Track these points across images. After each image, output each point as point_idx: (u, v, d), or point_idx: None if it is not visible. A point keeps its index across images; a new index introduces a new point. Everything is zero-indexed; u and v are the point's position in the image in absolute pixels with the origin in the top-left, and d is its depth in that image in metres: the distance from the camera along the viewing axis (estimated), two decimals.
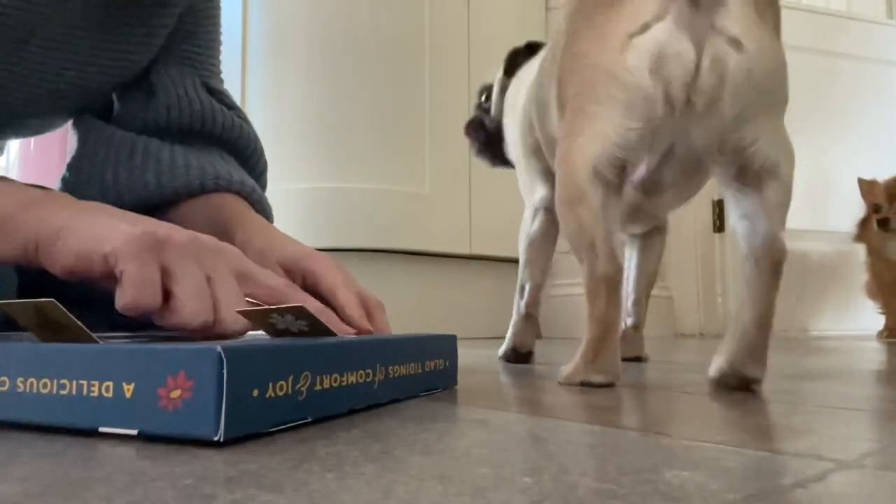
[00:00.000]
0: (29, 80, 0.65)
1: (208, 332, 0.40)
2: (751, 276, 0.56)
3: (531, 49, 0.94)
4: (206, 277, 0.41)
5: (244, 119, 0.77)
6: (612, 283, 0.55)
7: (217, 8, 0.78)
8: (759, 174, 0.53)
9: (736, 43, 0.50)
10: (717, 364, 0.54)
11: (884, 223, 1.78)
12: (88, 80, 0.69)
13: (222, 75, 0.82)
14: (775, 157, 0.53)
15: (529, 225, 0.86)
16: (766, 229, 0.54)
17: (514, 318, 0.88)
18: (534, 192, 0.83)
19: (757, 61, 0.51)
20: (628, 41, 0.52)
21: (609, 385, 0.55)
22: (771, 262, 0.55)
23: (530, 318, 0.87)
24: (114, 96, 0.75)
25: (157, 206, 0.70)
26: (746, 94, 0.51)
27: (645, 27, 0.51)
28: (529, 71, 0.86)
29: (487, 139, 1.01)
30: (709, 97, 0.50)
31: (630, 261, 0.88)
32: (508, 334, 0.88)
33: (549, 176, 0.76)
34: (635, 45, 0.52)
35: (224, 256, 0.44)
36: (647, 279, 0.89)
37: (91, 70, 0.68)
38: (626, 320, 0.91)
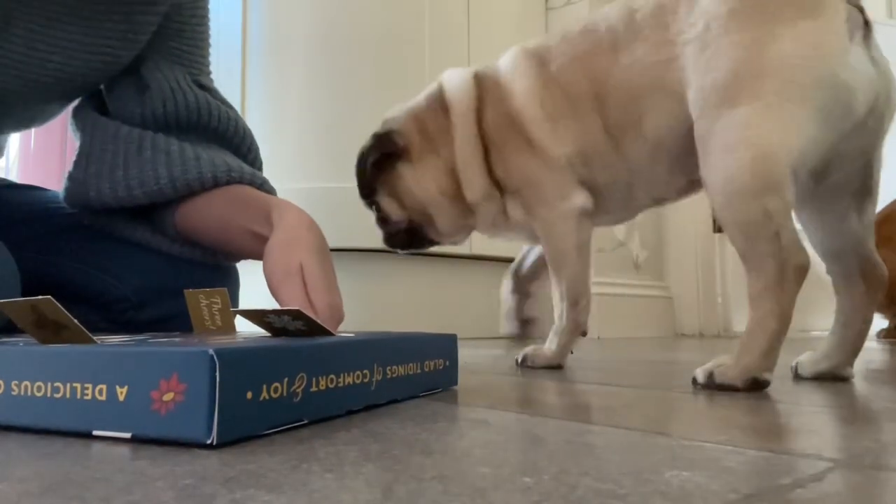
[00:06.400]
0: (10, 70, 0.65)
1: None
2: (856, 292, 0.64)
3: None
4: None
5: (237, 114, 0.78)
6: (803, 274, 0.55)
7: (205, 6, 0.78)
8: (870, 190, 0.62)
9: (889, 73, 0.60)
10: (817, 366, 0.64)
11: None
12: (71, 72, 0.69)
13: (214, 74, 0.82)
14: (878, 178, 0.62)
15: (576, 234, 0.75)
16: (871, 250, 0.64)
17: (566, 331, 0.76)
18: (568, 198, 0.75)
19: None
20: (841, 55, 0.57)
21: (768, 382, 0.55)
22: (875, 282, 0.64)
23: (581, 333, 0.79)
24: (103, 91, 0.75)
25: (168, 200, 0.70)
26: (893, 118, 0.59)
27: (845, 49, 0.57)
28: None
29: None
30: (880, 116, 0.59)
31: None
32: (554, 346, 0.76)
33: (585, 184, 0.75)
34: (847, 62, 0.57)
35: None
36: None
37: (74, 63, 0.68)
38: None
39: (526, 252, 0.90)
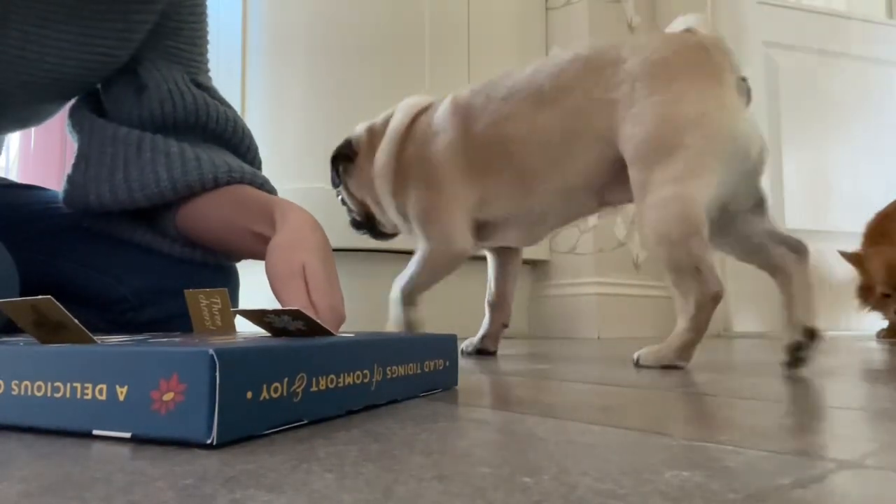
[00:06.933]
0: (5, 71, 0.64)
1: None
2: (789, 263, 0.76)
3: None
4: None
5: (235, 114, 0.77)
6: (718, 300, 0.71)
7: (203, 4, 0.78)
8: (762, 200, 0.78)
9: (758, 126, 0.76)
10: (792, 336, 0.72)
11: None
12: (67, 72, 0.68)
13: (214, 74, 0.82)
14: (764, 189, 0.79)
15: (447, 267, 0.93)
16: (781, 231, 0.79)
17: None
18: (451, 241, 0.90)
19: None
20: (740, 113, 0.74)
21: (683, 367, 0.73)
22: (800, 247, 0.77)
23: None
24: (100, 91, 0.75)
25: (168, 202, 0.69)
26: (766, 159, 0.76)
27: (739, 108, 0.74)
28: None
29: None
30: (762, 159, 0.75)
31: (500, 268, 1.02)
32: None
33: (484, 220, 0.91)
34: (744, 118, 0.74)
35: None
36: (514, 285, 1.04)
37: (70, 62, 0.68)
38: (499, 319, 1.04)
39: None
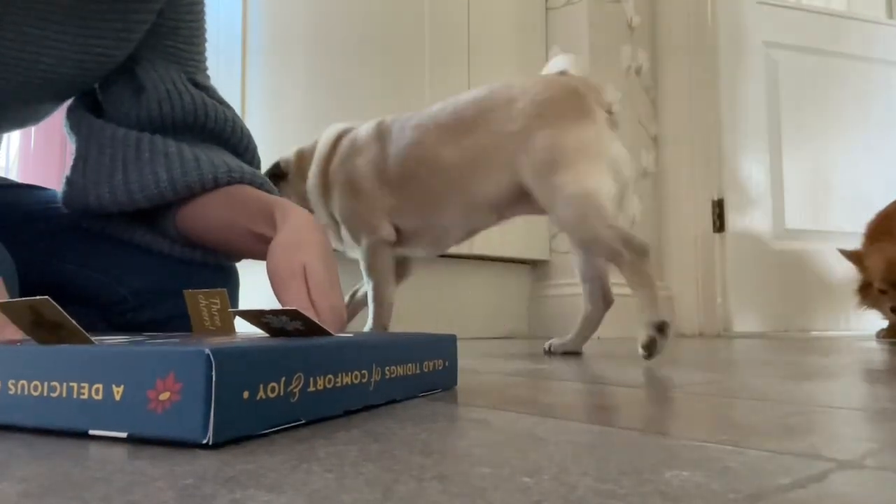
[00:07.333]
0: (2, 72, 0.64)
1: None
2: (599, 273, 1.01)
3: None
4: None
5: (234, 113, 0.77)
6: (648, 251, 0.86)
7: (200, 3, 0.78)
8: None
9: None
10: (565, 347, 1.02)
11: None
12: (64, 72, 0.68)
13: (214, 74, 0.81)
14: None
15: (381, 256, 1.04)
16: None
17: (373, 326, 1.04)
18: (375, 231, 1.03)
19: None
20: (610, 142, 0.92)
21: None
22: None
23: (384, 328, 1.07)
24: (98, 91, 0.75)
25: (168, 202, 0.69)
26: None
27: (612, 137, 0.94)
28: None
29: None
30: (629, 180, 0.95)
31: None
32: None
33: (398, 228, 1.04)
34: (613, 145, 0.92)
35: None
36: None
37: (67, 63, 0.67)
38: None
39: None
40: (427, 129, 0.99)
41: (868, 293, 1.74)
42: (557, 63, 1.00)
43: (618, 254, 0.85)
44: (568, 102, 0.92)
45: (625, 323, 1.92)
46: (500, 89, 0.97)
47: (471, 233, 1.05)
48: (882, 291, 1.67)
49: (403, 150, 1.00)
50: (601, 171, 0.88)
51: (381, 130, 1.04)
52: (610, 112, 0.94)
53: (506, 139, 0.93)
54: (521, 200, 0.94)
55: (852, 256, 1.76)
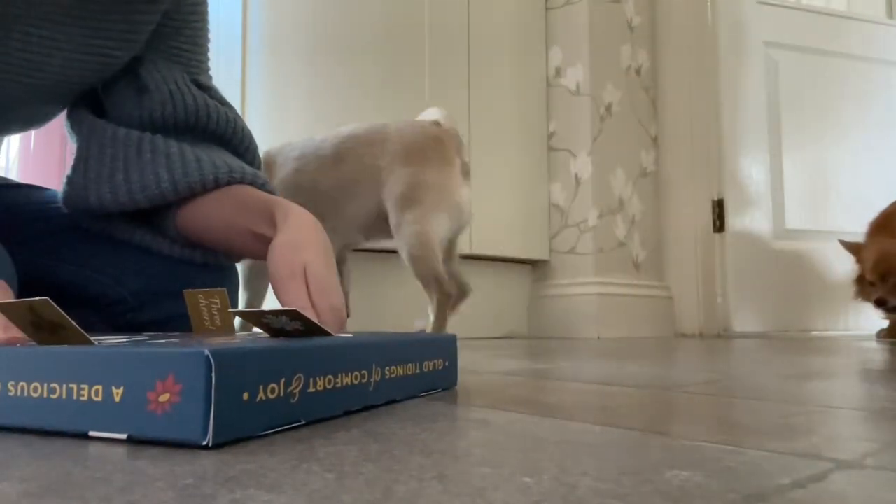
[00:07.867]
0: (8, 76, 0.64)
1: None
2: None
3: None
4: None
5: (236, 114, 0.77)
6: (450, 298, 1.10)
7: (204, 3, 0.78)
8: (453, 247, 1.21)
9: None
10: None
11: (881, 303, 1.66)
12: (69, 74, 0.68)
13: (214, 74, 0.81)
14: (457, 244, 1.25)
15: None
16: (457, 267, 1.23)
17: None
18: None
19: None
20: (460, 188, 1.14)
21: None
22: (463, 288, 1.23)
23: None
24: (100, 92, 0.75)
25: (169, 202, 0.69)
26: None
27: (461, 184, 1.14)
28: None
29: None
30: (466, 221, 1.17)
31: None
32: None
33: None
34: (461, 192, 1.14)
35: None
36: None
37: (72, 65, 0.67)
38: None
39: None
40: (308, 160, 1.17)
41: (863, 285, 1.76)
42: (432, 113, 1.19)
43: (430, 292, 1.08)
44: (432, 149, 1.11)
45: (624, 323, 1.92)
46: (378, 128, 1.16)
47: (343, 249, 1.24)
48: (871, 283, 1.68)
49: (295, 174, 1.18)
50: (442, 214, 1.10)
51: (296, 156, 1.21)
52: (465, 161, 1.16)
53: (375, 171, 1.12)
54: (382, 226, 1.15)
55: (851, 247, 1.79)
